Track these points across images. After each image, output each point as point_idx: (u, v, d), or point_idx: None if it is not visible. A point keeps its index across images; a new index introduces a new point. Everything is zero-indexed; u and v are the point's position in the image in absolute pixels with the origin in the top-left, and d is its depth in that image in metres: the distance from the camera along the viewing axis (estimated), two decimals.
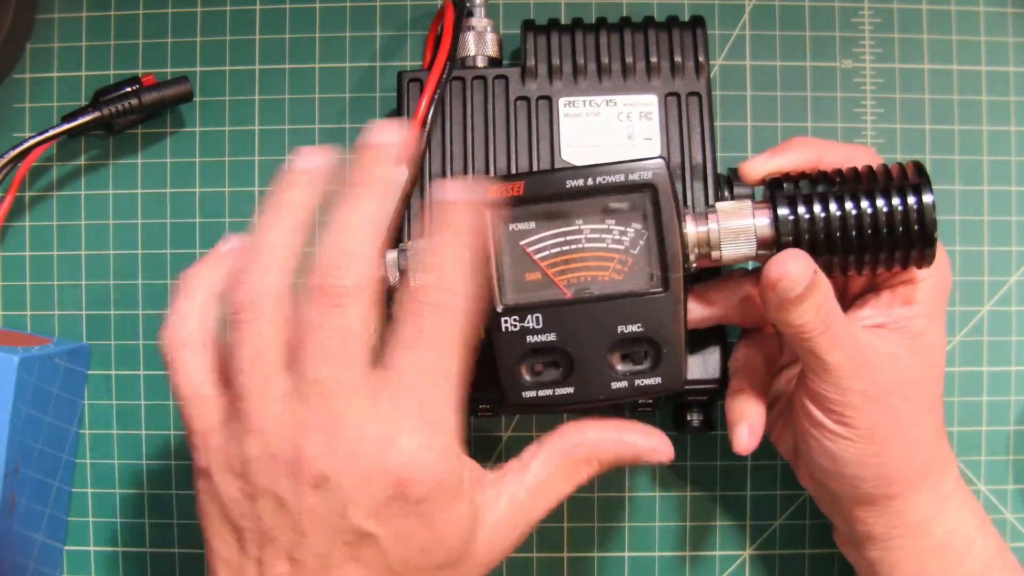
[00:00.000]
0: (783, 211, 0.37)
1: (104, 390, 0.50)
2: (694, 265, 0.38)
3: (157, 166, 0.50)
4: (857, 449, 0.38)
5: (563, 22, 0.45)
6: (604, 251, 0.37)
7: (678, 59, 0.44)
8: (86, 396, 0.50)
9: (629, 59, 0.44)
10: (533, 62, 0.44)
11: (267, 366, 0.32)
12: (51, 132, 0.47)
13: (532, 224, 0.37)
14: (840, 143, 0.41)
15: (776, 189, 0.38)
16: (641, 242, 0.37)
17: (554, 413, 0.43)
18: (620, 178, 0.37)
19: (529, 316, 0.36)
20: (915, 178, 0.37)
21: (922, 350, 0.39)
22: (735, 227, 0.37)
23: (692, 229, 0.37)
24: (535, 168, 0.44)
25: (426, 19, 0.50)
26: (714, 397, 0.43)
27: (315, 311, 0.32)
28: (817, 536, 0.49)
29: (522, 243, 0.37)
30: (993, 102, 0.49)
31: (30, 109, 0.50)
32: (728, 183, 0.44)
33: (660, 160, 0.37)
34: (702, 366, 0.42)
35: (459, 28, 0.44)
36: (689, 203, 0.43)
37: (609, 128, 0.44)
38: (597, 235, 0.37)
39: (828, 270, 0.37)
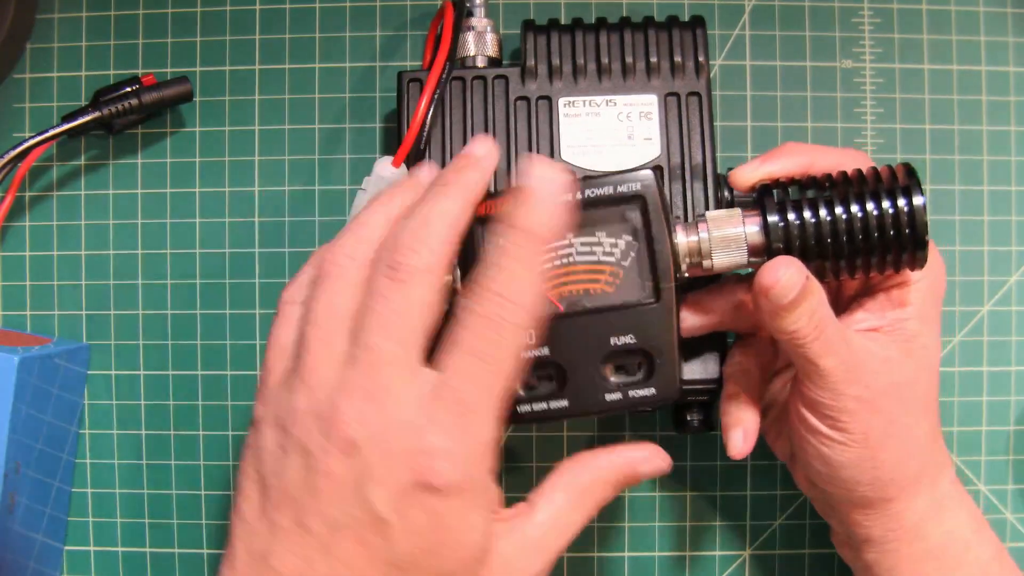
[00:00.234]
0: (773, 218, 0.37)
1: (104, 390, 0.50)
2: (686, 275, 0.38)
3: (157, 166, 0.50)
4: (852, 453, 0.38)
5: (563, 22, 0.45)
6: (595, 264, 0.37)
7: (678, 59, 0.44)
8: (86, 396, 0.50)
9: (629, 59, 0.44)
10: (533, 62, 0.44)
11: (336, 323, 0.33)
12: (51, 132, 0.47)
13: None
14: (831, 148, 0.41)
15: (766, 196, 0.38)
16: (632, 254, 0.37)
17: (550, 424, 0.43)
18: (609, 191, 0.37)
19: None
20: (905, 180, 0.37)
21: (916, 353, 0.39)
22: (726, 236, 0.37)
23: (683, 239, 0.37)
24: None
25: (426, 19, 0.50)
26: (713, 397, 0.43)
27: (383, 283, 0.32)
28: (817, 536, 0.49)
29: None
30: (993, 102, 0.49)
31: (30, 109, 0.50)
32: (728, 183, 0.44)
33: (649, 172, 0.37)
34: (701, 366, 0.42)
35: (459, 28, 0.44)
36: (689, 203, 0.43)
37: (609, 128, 0.44)
38: (588, 248, 0.37)
39: (820, 275, 0.37)
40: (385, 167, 0.43)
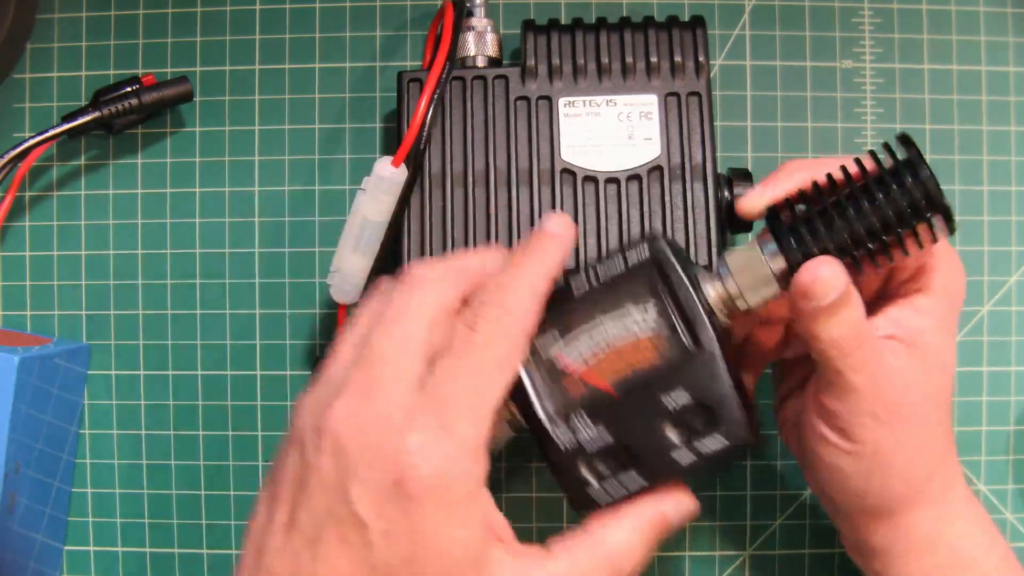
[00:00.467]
0: (788, 240, 0.36)
1: (104, 390, 0.50)
2: (727, 322, 0.37)
3: (157, 166, 0.50)
4: (860, 464, 0.37)
5: (563, 22, 0.45)
6: (634, 341, 0.36)
7: (678, 59, 0.44)
8: (86, 396, 0.50)
9: (629, 59, 0.44)
10: (533, 62, 0.44)
11: (367, 321, 0.34)
12: (51, 132, 0.47)
13: (555, 333, 0.36)
14: (831, 159, 0.39)
15: (775, 220, 0.37)
16: (663, 315, 0.36)
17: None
18: (621, 267, 0.36)
19: (579, 425, 0.35)
20: (905, 154, 0.36)
21: (933, 367, 0.38)
22: (751, 274, 0.36)
23: (711, 291, 0.36)
24: (535, 168, 0.44)
25: (426, 19, 0.50)
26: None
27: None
28: (817, 536, 0.49)
29: (552, 354, 0.36)
30: (993, 102, 0.49)
31: (30, 109, 0.50)
32: (728, 183, 0.44)
33: (654, 232, 0.37)
34: None
35: (459, 28, 0.44)
36: (689, 203, 0.43)
37: (609, 128, 0.44)
38: (621, 326, 0.36)
39: (854, 271, 0.36)
40: (385, 167, 0.43)
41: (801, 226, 0.36)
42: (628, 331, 0.36)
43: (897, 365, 0.37)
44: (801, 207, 0.37)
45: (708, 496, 0.49)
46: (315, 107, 0.50)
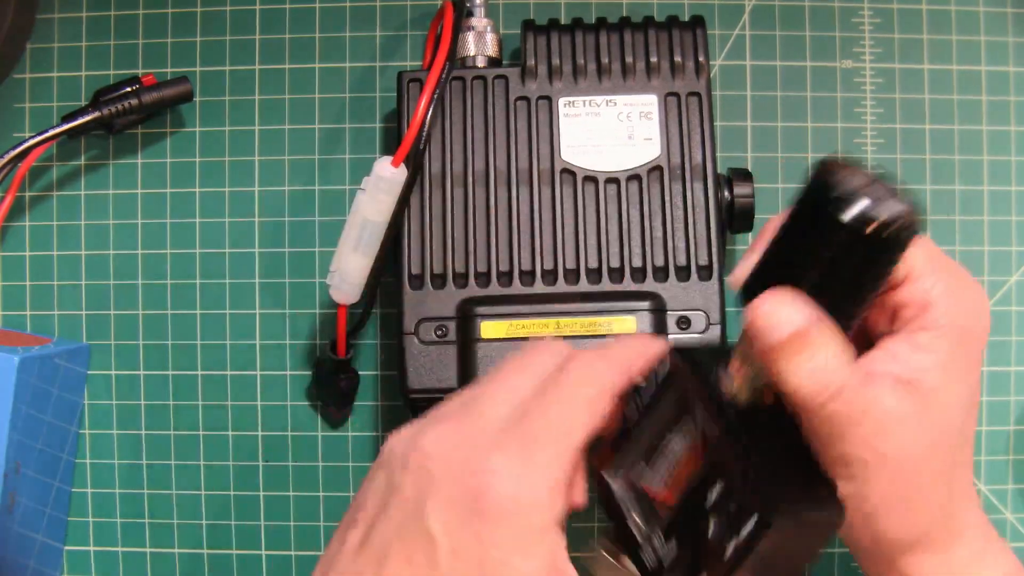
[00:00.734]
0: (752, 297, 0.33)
1: (104, 390, 0.50)
2: (758, 401, 0.34)
3: (157, 166, 0.50)
4: (848, 514, 0.33)
5: (563, 22, 0.45)
6: (685, 451, 0.34)
7: (678, 59, 0.44)
8: (86, 396, 0.50)
9: (629, 59, 0.44)
10: (533, 62, 0.44)
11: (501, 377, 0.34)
12: (51, 132, 0.47)
13: (640, 462, 0.35)
14: None
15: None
16: (695, 422, 0.34)
17: None
18: (654, 386, 0.35)
19: (658, 544, 0.34)
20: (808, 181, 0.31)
21: (934, 413, 0.33)
22: (749, 358, 0.34)
23: (729, 384, 0.34)
24: (535, 168, 0.44)
25: (426, 19, 0.50)
26: None
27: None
28: None
29: (643, 485, 0.35)
30: (993, 102, 0.49)
31: (30, 109, 0.50)
32: (728, 183, 0.44)
33: (668, 351, 0.35)
34: None
35: (459, 28, 0.44)
36: (689, 203, 0.43)
37: (609, 128, 0.44)
38: (678, 440, 0.34)
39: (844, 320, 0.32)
40: (385, 167, 0.43)
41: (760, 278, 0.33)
42: (681, 445, 0.34)
43: (891, 407, 0.32)
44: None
45: None
46: (315, 107, 0.50)
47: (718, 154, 0.45)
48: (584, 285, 0.43)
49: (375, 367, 0.49)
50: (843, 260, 0.30)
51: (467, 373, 0.42)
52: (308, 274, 0.49)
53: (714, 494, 0.33)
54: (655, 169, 0.44)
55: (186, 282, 0.49)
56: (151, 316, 0.49)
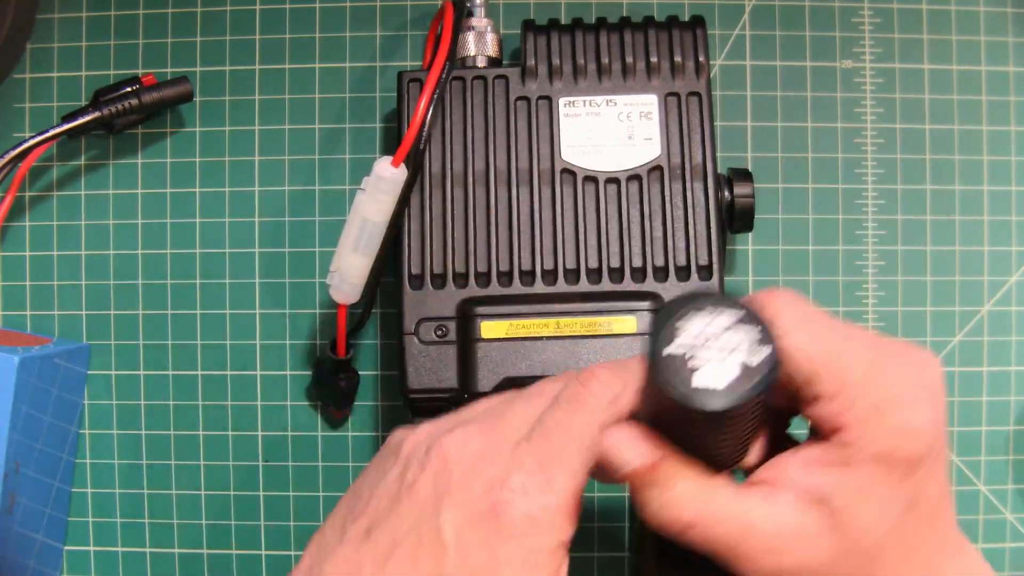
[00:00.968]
0: None
1: (104, 390, 0.50)
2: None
3: (157, 166, 0.50)
4: None
5: (563, 22, 0.45)
6: None
7: (678, 59, 0.44)
8: (86, 396, 0.50)
9: (629, 59, 0.44)
10: (533, 62, 0.44)
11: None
12: (51, 132, 0.47)
13: None
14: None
15: None
16: None
17: None
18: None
19: None
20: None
21: (844, 532, 0.30)
22: None
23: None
24: (535, 168, 0.44)
25: (426, 19, 0.50)
26: None
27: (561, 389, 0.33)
28: None
29: None
30: (993, 102, 0.50)
31: (30, 109, 0.50)
32: (728, 183, 0.44)
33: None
34: None
35: (459, 28, 0.44)
36: (689, 203, 0.43)
37: (609, 128, 0.44)
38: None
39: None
40: (385, 167, 0.43)
41: None
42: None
43: (787, 521, 0.30)
44: None
45: None
46: (315, 107, 0.50)
47: (718, 154, 0.45)
48: (584, 285, 0.43)
49: (375, 367, 0.49)
50: (681, 425, 0.29)
51: (467, 373, 0.42)
52: (308, 274, 0.49)
53: None
54: (655, 169, 0.44)
55: (186, 282, 0.49)
56: (151, 316, 0.49)
